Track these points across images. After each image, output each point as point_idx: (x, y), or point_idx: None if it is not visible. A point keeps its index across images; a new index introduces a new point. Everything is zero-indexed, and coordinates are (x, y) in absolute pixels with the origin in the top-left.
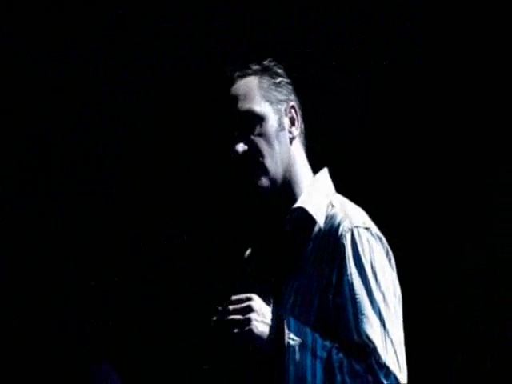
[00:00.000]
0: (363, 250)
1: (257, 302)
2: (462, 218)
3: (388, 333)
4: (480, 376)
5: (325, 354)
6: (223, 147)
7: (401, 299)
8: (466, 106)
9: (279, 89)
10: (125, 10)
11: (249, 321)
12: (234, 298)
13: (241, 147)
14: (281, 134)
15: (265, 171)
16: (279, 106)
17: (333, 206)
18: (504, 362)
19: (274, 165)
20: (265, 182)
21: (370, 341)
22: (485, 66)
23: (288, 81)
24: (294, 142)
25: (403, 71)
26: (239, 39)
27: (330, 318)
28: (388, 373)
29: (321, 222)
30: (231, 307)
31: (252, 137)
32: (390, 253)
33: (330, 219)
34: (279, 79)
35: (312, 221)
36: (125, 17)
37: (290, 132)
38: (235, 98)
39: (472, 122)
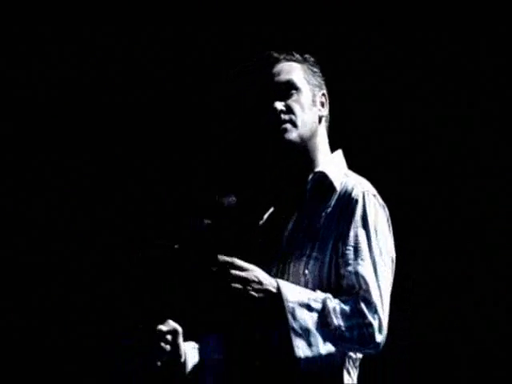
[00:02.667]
0: (370, 211)
1: (258, 272)
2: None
3: (378, 281)
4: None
5: (319, 306)
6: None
7: (394, 262)
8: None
9: (315, 77)
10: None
11: (250, 288)
12: (236, 263)
13: (280, 105)
14: (313, 108)
15: (295, 126)
16: (314, 88)
17: (347, 175)
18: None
19: (303, 126)
20: (293, 136)
21: (365, 282)
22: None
23: (322, 76)
24: (321, 120)
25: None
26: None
27: (338, 265)
28: (375, 314)
29: (337, 185)
30: (236, 273)
31: (289, 101)
32: (390, 221)
33: (344, 184)
34: (316, 70)
35: (330, 184)
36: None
37: (320, 110)
38: (280, 72)
39: None
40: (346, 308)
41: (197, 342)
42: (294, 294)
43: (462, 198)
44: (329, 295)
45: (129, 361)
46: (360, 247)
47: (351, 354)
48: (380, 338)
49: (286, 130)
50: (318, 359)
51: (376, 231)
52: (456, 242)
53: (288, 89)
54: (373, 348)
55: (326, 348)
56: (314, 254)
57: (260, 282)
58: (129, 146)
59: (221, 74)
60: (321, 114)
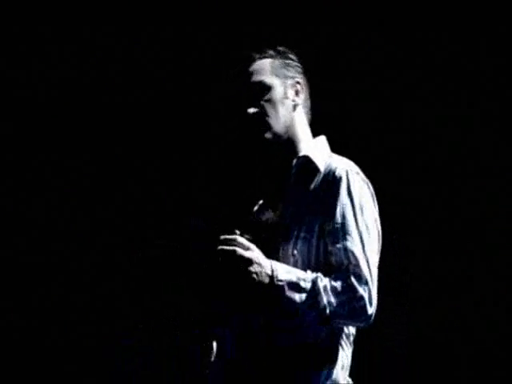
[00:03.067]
0: (354, 188)
1: (257, 253)
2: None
3: (367, 255)
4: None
5: (309, 285)
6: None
7: (380, 236)
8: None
9: (288, 68)
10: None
11: (252, 270)
12: (239, 240)
13: (252, 109)
14: (285, 101)
15: (269, 127)
16: (286, 81)
17: (331, 157)
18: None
19: (277, 123)
20: (269, 135)
21: (354, 257)
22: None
23: (297, 64)
24: (297, 108)
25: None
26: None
27: (326, 244)
28: (366, 287)
29: (321, 167)
30: (240, 252)
31: (261, 102)
32: (374, 197)
33: (328, 165)
34: (289, 61)
35: (314, 166)
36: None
37: (294, 100)
38: (251, 74)
39: None
40: (337, 285)
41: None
42: (284, 274)
43: (461, 198)
44: (319, 274)
45: (129, 361)
46: (347, 224)
47: (344, 329)
48: (371, 310)
49: (260, 132)
50: (306, 338)
51: (361, 207)
52: (456, 241)
53: (259, 90)
54: (364, 320)
55: (314, 329)
56: (302, 235)
57: (260, 264)
58: (129, 146)
59: (221, 73)
60: (295, 102)
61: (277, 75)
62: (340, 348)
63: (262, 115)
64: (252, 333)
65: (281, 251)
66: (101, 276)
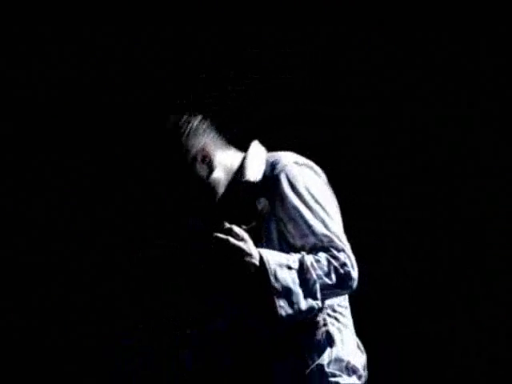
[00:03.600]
0: (296, 180)
1: (250, 243)
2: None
3: (332, 230)
4: None
5: (297, 264)
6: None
7: (338, 208)
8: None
9: (191, 141)
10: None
11: (245, 260)
12: (235, 229)
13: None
14: (200, 172)
15: (198, 198)
16: (195, 154)
17: (267, 161)
18: None
19: (211, 192)
20: (203, 202)
21: (324, 235)
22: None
23: (199, 128)
24: (212, 166)
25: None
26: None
27: (290, 244)
28: (344, 254)
29: (258, 179)
30: (234, 242)
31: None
32: (323, 175)
33: (267, 173)
34: (189, 132)
35: (255, 184)
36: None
37: (207, 164)
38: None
39: None
40: (320, 258)
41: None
42: (274, 257)
43: (461, 198)
44: (303, 253)
45: (129, 361)
46: (305, 216)
47: (333, 303)
48: (355, 273)
49: (201, 208)
50: (300, 315)
51: (310, 193)
52: (456, 241)
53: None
54: (350, 286)
55: (307, 304)
56: (264, 244)
57: (251, 254)
58: (129, 146)
59: (221, 74)
60: (209, 166)
61: (186, 156)
62: (331, 325)
63: (186, 192)
64: (244, 327)
65: None
66: (101, 276)
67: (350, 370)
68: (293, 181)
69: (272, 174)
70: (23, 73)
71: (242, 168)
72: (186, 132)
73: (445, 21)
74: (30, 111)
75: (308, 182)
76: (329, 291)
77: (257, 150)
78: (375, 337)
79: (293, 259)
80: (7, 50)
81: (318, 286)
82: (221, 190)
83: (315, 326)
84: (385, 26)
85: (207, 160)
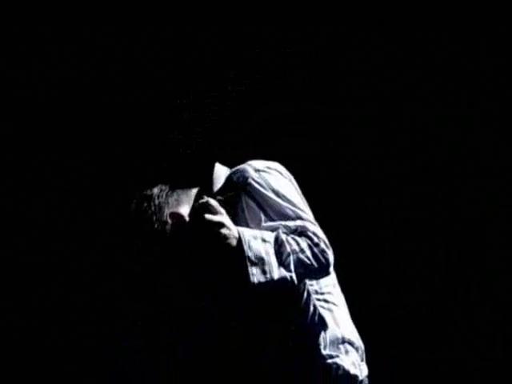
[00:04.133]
0: (261, 186)
1: (226, 217)
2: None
3: (304, 217)
4: None
5: (272, 239)
6: None
7: (305, 201)
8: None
9: (158, 213)
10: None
11: (217, 231)
12: (211, 202)
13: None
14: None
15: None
16: (162, 220)
17: (230, 179)
18: None
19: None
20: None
21: (299, 218)
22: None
23: (160, 202)
24: (183, 219)
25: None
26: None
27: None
28: (318, 237)
29: (223, 194)
30: (210, 217)
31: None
32: (285, 172)
33: (229, 184)
34: (154, 209)
35: (222, 201)
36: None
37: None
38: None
39: None
40: (296, 236)
41: None
42: (249, 231)
43: (462, 198)
44: (279, 231)
45: (129, 361)
46: (280, 211)
47: (320, 285)
48: (330, 254)
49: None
50: (272, 284)
51: (277, 192)
52: (456, 242)
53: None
54: (326, 266)
55: (280, 273)
56: None
57: (228, 227)
58: (129, 146)
59: (221, 74)
60: (181, 221)
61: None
62: (321, 309)
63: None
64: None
65: None
66: (101, 276)
67: (347, 345)
68: (259, 189)
69: (237, 189)
70: (23, 73)
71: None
72: (152, 211)
73: (445, 21)
74: (30, 111)
75: (273, 184)
76: (304, 269)
77: (218, 170)
78: (375, 336)
79: (269, 235)
80: (7, 49)
81: (291, 259)
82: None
83: (307, 312)
84: (385, 26)
85: (178, 219)
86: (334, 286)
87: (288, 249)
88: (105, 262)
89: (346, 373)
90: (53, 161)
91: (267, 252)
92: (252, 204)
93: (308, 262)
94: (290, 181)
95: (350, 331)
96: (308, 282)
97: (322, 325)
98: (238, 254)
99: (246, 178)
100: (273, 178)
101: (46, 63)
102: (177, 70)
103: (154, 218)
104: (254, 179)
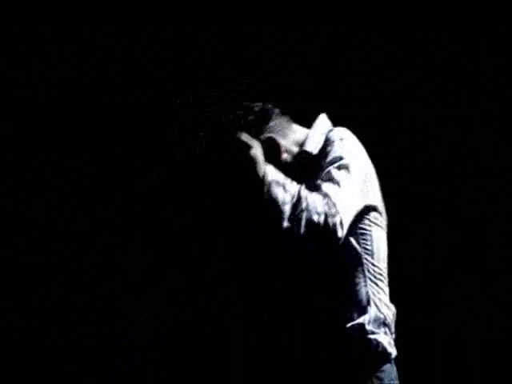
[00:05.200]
0: (336, 149)
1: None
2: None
3: (342, 201)
4: None
5: (293, 190)
6: None
7: (371, 182)
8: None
9: (262, 125)
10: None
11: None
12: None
13: None
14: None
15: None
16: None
17: (326, 136)
18: None
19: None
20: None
21: (335, 196)
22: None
23: (267, 116)
24: (278, 150)
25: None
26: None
27: None
28: (337, 211)
29: (317, 150)
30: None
31: None
32: (361, 153)
33: (324, 146)
34: (258, 119)
35: (313, 155)
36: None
37: (271, 149)
38: None
39: None
40: (316, 198)
41: None
42: (276, 174)
43: (462, 198)
44: (304, 186)
45: (129, 361)
46: (331, 172)
47: (358, 267)
48: (340, 232)
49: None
50: (281, 234)
51: (346, 166)
52: (456, 242)
53: None
54: (334, 239)
55: (287, 224)
56: None
57: (259, 162)
58: (129, 146)
59: (221, 74)
60: (276, 152)
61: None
62: (370, 287)
63: None
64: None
65: None
66: (101, 276)
67: (386, 327)
68: (338, 150)
69: (326, 147)
70: (23, 73)
71: (305, 141)
72: (256, 119)
73: (445, 21)
74: (30, 111)
75: (349, 153)
76: (313, 230)
77: (320, 125)
78: None
79: (293, 185)
80: (7, 50)
81: (303, 215)
82: (289, 167)
83: (356, 286)
84: (385, 25)
85: (275, 146)
86: (385, 261)
87: (304, 205)
88: (105, 261)
89: (384, 350)
90: (53, 161)
91: (284, 202)
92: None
93: (317, 225)
94: (362, 156)
95: (388, 314)
96: (365, 254)
97: (369, 303)
98: (257, 191)
99: (332, 142)
100: (355, 155)
101: (46, 63)
102: (177, 69)
103: (253, 130)
104: (338, 144)
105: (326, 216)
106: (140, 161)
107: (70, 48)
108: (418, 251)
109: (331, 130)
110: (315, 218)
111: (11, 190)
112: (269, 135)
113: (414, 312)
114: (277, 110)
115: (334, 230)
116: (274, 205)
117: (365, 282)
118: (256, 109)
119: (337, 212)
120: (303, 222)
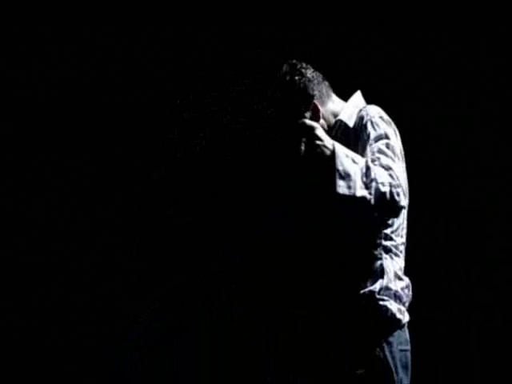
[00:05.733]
0: (378, 126)
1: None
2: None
3: (396, 170)
4: None
5: (362, 162)
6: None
7: (404, 160)
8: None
9: (307, 88)
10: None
11: (316, 143)
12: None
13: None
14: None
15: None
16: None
17: (360, 111)
18: None
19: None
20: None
21: (391, 169)
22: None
23: (312, 80)
24: (318, 115)
25: None
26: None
27: None
28: (400, 182)
29: (351, 123)
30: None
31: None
32: (397, 132)
33: (358, 119)
34: (304, 81)
35: (344, 124)
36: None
37: (312, 113)
38: None
39: None
40: (382, 170)
41: None
42: (343, 148)
43: (462, 198)
44: (369, 158)
45: (129, 361)
46: (375, 148)
47: (383, 242)
48: (404, 202)
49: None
50: (352, 200)
51: (387, 136)
52: (456, 242)
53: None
54: (395, 208)
55: (362, 192)
56: None
57: (326, 139)
58: (129, 146)
59: (221, 74)
60: (316, 116)
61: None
62: (385, 259)
63: None
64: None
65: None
66: (101, 276)
67: (397, 298)
68: (375, 126)
69: (361, 121)
70: (23, 73)
71: (340, 112)
72: (302, 81)
73: (445, 21)
74: (30, 111)
75: (386, 131)
76: (379, 200)
77: (356, 100)
78: None
79: (359, 158)
80: (7, 50)
81: (373, 185)
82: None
83: (372, 257)
84: (385, 25)
85: (316, 112)
86: (402, 236)
87: (373, 175)
88: (105, 261)
89: (393, 316)
90: (53, 161)
91: (355, 172)
92: (363, 136)
93: (383, 194)
94: (397, 137)
95: (400, 286)
96: (384, 228)
97: (382, 273)
98: (329, 164)
99: (369, 119)
100: (390, 132)
101: (46, 63)
102: (177, 69)
103: (302, 91)
104: (375, 122)
105: (391, 186)
106: (140, 161)
107: (69, 48)
108: (418, 251)
109: (365, 107)
110: (382, 188)
111: (11, 190)
112: (314, 100)
113: (414, 303)
114: (321, 76)
115: (399, 200)
116: (347, 176)
117: (380, 254)
118: (309, 72)
119: (400, 183)
120: (373, 191)
